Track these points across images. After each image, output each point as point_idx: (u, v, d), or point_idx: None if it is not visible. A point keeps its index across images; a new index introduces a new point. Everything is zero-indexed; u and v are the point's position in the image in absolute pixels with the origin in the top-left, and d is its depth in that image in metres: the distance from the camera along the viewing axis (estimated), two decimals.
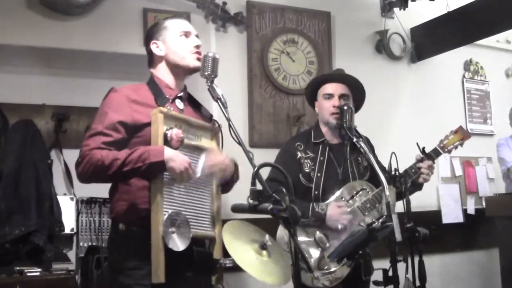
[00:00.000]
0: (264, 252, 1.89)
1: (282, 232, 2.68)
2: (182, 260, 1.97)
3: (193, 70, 2.20)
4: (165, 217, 1.93)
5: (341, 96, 2.78)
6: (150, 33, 2.25)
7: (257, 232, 1.99)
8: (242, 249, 1.88)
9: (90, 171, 1.96)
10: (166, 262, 1.92)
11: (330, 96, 2.80)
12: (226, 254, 1.99)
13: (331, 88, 2.81)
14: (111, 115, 2.02)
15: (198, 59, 2.16)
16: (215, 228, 2.14)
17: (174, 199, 2.02)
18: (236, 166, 2.24)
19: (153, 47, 2.21)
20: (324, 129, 2.85)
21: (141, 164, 1.92)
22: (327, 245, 2.62)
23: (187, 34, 2.21)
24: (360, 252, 2.31)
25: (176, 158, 1.95)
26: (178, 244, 1.94)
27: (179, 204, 2.03)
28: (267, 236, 1.89)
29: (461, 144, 2.85)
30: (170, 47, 2.19)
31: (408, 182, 2.64)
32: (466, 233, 4.33)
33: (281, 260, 1.96)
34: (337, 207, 2.64)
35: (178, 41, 2.20)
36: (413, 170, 2.73)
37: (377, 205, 2.68)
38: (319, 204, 2.66)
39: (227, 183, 2.24)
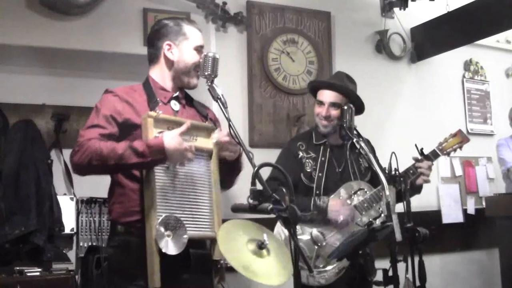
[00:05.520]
0: (264, 252, 1.87)
1: (279, 229, 2.68)
2: (179, 262, 1.97)
3: (190, 88, 2.24)
4: (158, 221, 1.93)
5: (332, 105, 2.77)
6: (165, 32, 2.19)
7: (255, 230, 1.96)
8: (238, 252, 1.85)
9: (87, 161, 1.95)
10: (163, 265, 1.92)
11: (321, 103, 2.81)
12: None
13: (323, 95, 2.81)
14: (103, 111, 2.05)
15: (197, 77, 2.20)
16: (215, 229, 2.13)
17: (169, 202, 2.01)
18: (240, 155, 2.24)
19: (165, 47, 2.18)
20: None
21: (142, 160, 1.93)
22: (324, 243, 2.62)
23: (200, 50, 2.20)
24: (360, 252, 2.30)
25: (174, 152, 1.94)
26: (172, 247, 1.93)
27: (175, 207, 2.02)
28: (264, 235, 1.87)
29: (460, 147, 2.85)
30: (183, 56, 2.18)
31: (407, 182, 2.63)
32: (466, 233, 4.33)
33: (282, 256, 1.93)
34: (338, 199, 2.65)
35: (191, 54, 2.18)
36: (411, 171, 2.73)
37: (374, 204, 2.68)
38: (320, 197, 2.66)
39: (231, 172, 2.24)
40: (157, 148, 1.92)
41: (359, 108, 2.84)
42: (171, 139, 1.94)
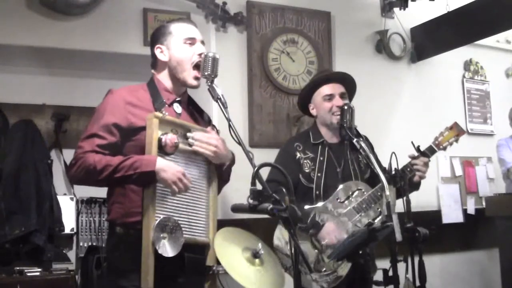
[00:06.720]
0: (257, 261, 1.88)
1: (279, 235, 2.65)
2: (173, 265, 1.97)
3: (190, 87, 2.21)
4: (156, 222, 1.93)
5: (341, 95, 2.79)
6: (155, 37, 2.22)
7: (250, 240, 1.97)
8: (233, 259, 1.86)
9: (82, 175, 1.98)
10: (158, 268, 1.92)
11: (330, 96, 2.79)
12: None
13: (330, 89, 2.80)
14: (106, 117, 2.03)
15: (196, 78, 2.16)
16: (209, 234, 2.13)
17: (167, 204, 2.01)
18: (232, 160, 2.25)
19: (157, 51, 2.19)
20: (323, 130, 2.84)
21: (132, 172, 1.94)
22: (323, 247, 2.60)
23: (192, 42, 2.19)
24: (360, 252, 2.30)
25: (167, 169, 1.95)
26: (169, 250, 1.93)
27: (172, 210, 2.02)
28: (259, 245, 1.88)
29: (456, 141, 2.81)
30: (173, 54, 2.17)
31: (406, 180, 2.63)
32: (466, 233, 4.33)
33: (274, 268, 1.94)
34: (334, 226, 2.59)
35: (181, 49, 2.17)
36: (408, 169, 2.72)
37: (373, 205, 2.66)
38: (321, 214, 2.61)
39: (221, 176, 2.23)
40: (148, 162, 1.94)
41: (351, 94, 2.91)
42: (166, 160, 1.98)
